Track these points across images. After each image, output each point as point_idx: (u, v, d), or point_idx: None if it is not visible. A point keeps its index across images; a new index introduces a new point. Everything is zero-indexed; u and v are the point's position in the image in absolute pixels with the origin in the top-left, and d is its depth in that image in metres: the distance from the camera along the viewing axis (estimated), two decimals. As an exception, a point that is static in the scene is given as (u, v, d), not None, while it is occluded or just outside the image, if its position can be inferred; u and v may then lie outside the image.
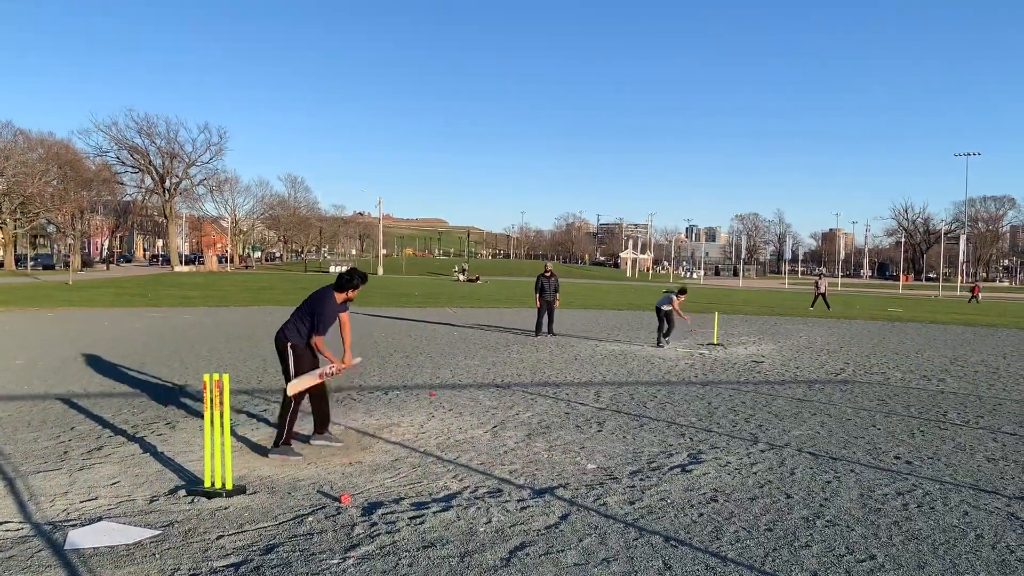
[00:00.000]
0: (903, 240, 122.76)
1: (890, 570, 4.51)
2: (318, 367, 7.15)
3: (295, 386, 6.83)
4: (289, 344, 7.05)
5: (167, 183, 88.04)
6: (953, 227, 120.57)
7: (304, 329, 7.08)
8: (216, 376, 5.73)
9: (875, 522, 5.38)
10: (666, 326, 17.12)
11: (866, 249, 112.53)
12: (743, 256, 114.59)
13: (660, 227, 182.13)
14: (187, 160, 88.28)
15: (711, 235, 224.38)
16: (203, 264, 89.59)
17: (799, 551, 4.80)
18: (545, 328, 18.69)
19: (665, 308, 17.11)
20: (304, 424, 7.61)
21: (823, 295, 34.54)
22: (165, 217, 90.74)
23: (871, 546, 4.91)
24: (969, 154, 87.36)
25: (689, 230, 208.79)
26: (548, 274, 18.69)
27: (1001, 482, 6.50)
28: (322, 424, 7.39)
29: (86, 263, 78.99)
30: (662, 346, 16.84)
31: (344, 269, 7.62)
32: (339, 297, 7.20)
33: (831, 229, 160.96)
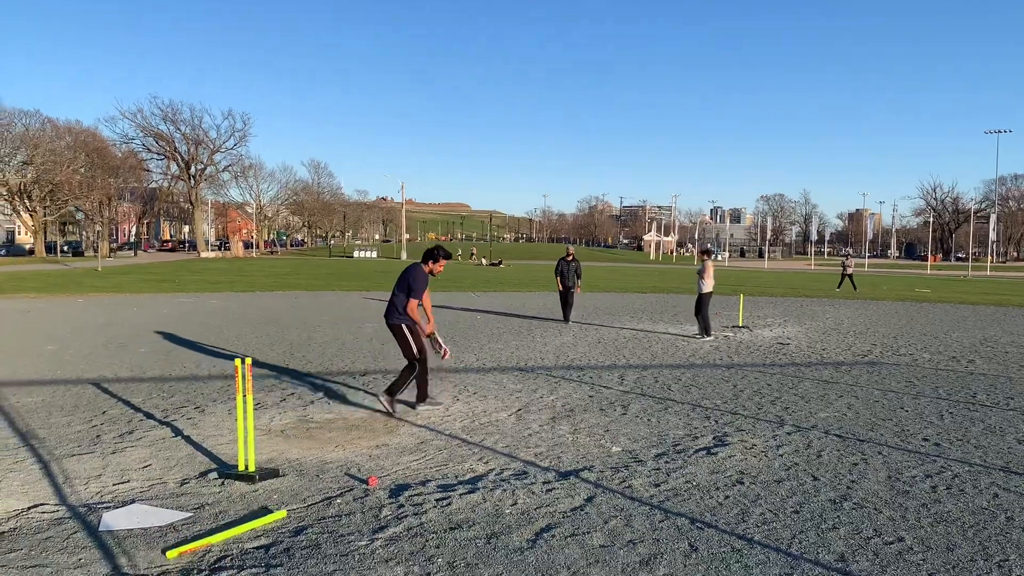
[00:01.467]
0: (931, 220, 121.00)
1: (918, 552, 4.49)
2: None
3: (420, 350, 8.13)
4: (402, 325, 8.09)
5: (192, 169, 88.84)
6: (983, 206, 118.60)
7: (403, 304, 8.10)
8: (248, 360, 5.80)
9: (903, 504, 5.35)
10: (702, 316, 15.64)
11: (893, 229, 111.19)
12: (768, 237, 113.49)
13: (684, 209, 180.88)
14: (212, 146, 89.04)
15: (736, 216, 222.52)
16: (229, 250, 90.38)
17: (826, 533, 4.78)
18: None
19: (704, 290, 15.67)
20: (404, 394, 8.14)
21: (850, 276, 34.19)
22: (191, 203, 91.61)
23: (899, 528, 4.88)
24: (1000, 131, 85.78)
25: (714, 211, 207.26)
26: (569, 258, 18.19)
27: (1032, 464, 6.42)
28: (423, 392, 8.40)
29: (120, 248, 79.93)
30: (711, 335, 15.48)
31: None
32: (426, 269, 8.20)
33: (858, 209, 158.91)
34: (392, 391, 8.09)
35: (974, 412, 8.49)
